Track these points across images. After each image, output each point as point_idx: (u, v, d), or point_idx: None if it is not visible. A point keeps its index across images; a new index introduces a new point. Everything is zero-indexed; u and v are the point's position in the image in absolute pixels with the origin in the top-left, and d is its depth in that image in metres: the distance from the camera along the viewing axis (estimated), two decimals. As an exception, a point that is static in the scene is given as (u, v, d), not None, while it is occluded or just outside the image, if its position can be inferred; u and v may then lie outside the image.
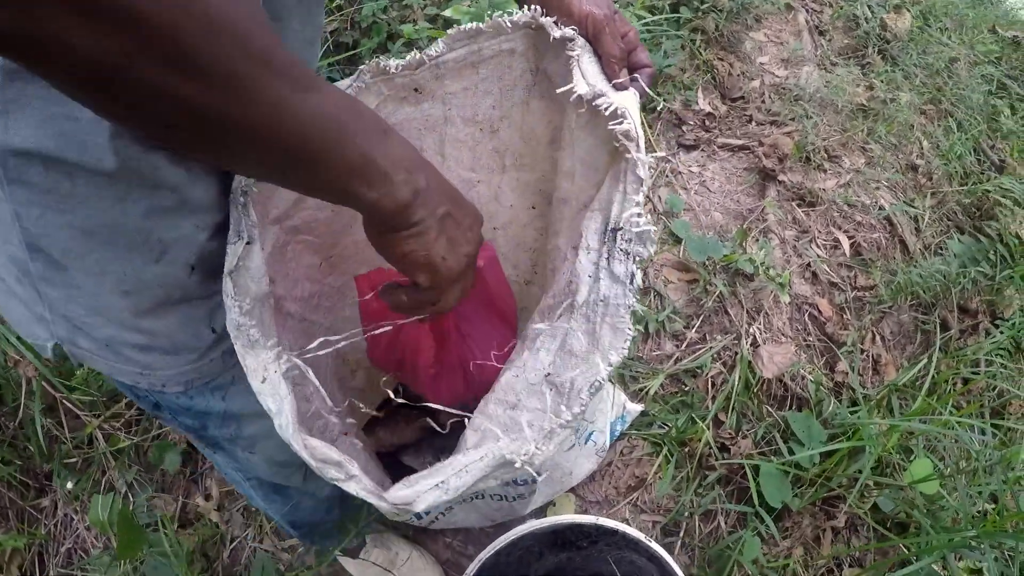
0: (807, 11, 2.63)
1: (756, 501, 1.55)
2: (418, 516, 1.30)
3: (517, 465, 0.66)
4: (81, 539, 1.67)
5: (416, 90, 0.90)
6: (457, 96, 0.93)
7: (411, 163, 0.59)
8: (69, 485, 1.65)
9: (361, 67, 0.85)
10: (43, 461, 1.69)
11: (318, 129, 0.51)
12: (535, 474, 0.67)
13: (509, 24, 0.85)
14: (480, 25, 0.86)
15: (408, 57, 0.85)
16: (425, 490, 0.66)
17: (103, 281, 0.69)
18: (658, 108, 2.23)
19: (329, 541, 1.46)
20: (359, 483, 0.69)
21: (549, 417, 0.71)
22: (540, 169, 1.05)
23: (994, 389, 1.91)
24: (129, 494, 1.67)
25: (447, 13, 2.25)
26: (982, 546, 1.43)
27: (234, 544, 1.64)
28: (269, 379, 0.68)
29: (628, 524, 1.62)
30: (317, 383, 0.76)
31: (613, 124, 0.74)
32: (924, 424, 1.63)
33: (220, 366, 0.83)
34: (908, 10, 2.62)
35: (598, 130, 0.80)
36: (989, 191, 2.15)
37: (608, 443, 1.57)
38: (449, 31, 0.86)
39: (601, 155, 0.83)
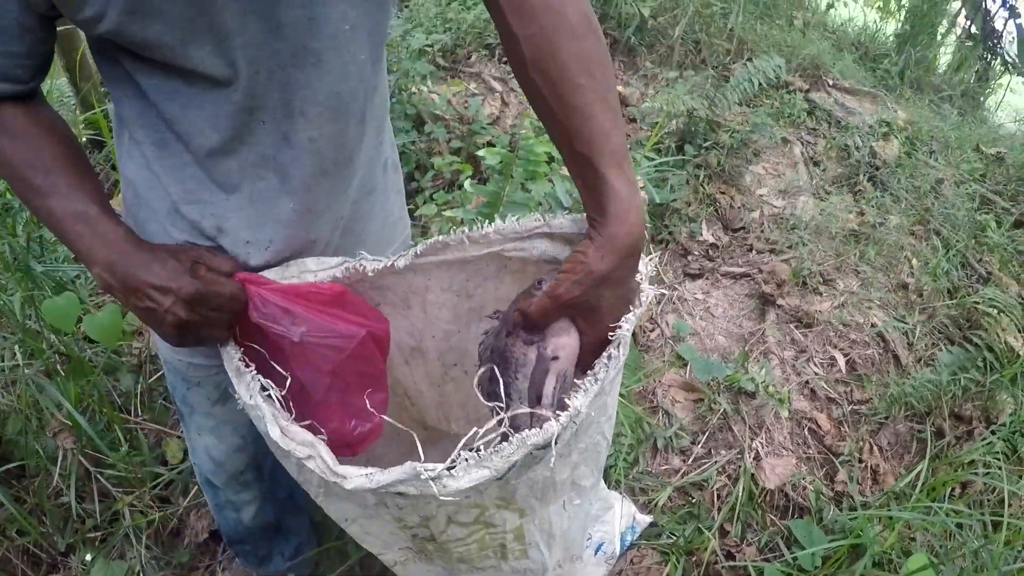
0: (802, 143, 2.90)
1: (760, 605, 1.70)
2: None
3: (423, 477, 0.77)
4: (91, 620, 1.76)
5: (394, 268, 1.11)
6: (434, 270, 1.12)
7: (104, 264, 0.88)
8: (88, 556, 1.73)
9: (336, 272, 1.04)
10: (64, 536, 1.77)
11: (49, 224, 0.89)
12: (434, 489, 0.77)
13: (484, 241, 1.04)
14: (461, 238, 1.04)
15: (384, 263, 1.06)
16: (357, 475, 0.81)
17: None
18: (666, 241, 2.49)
19: (248, 562, 1.65)
20: (317, 462, 0.84)
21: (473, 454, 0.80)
22: None
23: (994, 491, 2.04)
24: (143, 574, 1.75)
25: (482, 153, 2.56)
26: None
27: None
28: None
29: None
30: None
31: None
32: (920, 517, 1.76)
33: (184, 367, 1.15)
34: (896, 137, 2.87)
35: None
36: (977, 303, 2.33)
37: (618, 552, 1.75)
38: (423, 244, 1.06)
39: None
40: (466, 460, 0.78)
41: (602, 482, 1.51)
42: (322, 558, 1.76)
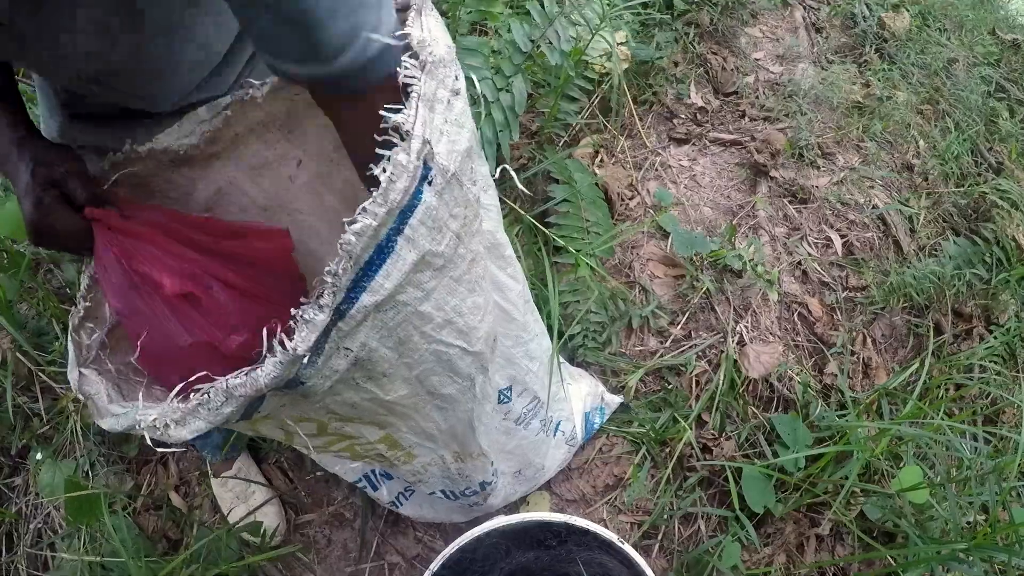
0: (804, 8, 2.58)
1: (737, 505, 1.49)
2: (372, 486, 1.26)
3: (141, 425, 0.69)
4: (51, 519, 1.64)
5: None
6: None
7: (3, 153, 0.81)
8: (39, 456, 1.64)
9: (227, 112, 0.91)
10: (16, 438, 1.67)
11: None
12: (147, 437, 0.70)
13: None
14: None
15: (264, 84, 0.91)
16: (112, 411, 0.77)
17: None
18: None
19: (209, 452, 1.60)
20: (92, 403, 0.79)
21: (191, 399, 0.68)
22: None
23: (987, 396, 1.86)
24: (90, 472, 1.64)
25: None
26: (971, 559, 1.36)
27: (202, 529, 1.59)
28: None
29: (605, 524, 1.57)
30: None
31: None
32: (914, 429, 1.57)
33: None
34: (907, 9, 2.57)
35: None
36: (986, 193, 2.10)
37: (581, 432, 1.51)
38: None
39: None
40: (178, 410, 0.68)
41: (530, 364, 1.25)
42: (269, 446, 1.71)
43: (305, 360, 0.64)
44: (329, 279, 0.62)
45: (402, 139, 0.63)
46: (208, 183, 0.99)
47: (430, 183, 0.65)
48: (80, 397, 0.80)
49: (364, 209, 0.61)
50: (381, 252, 0.64)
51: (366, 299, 0.65)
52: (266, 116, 0.94)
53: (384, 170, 0.62)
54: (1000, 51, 2.59)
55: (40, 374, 1.68)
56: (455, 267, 0.75)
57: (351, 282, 0.63)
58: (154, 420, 0.68)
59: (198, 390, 0.67)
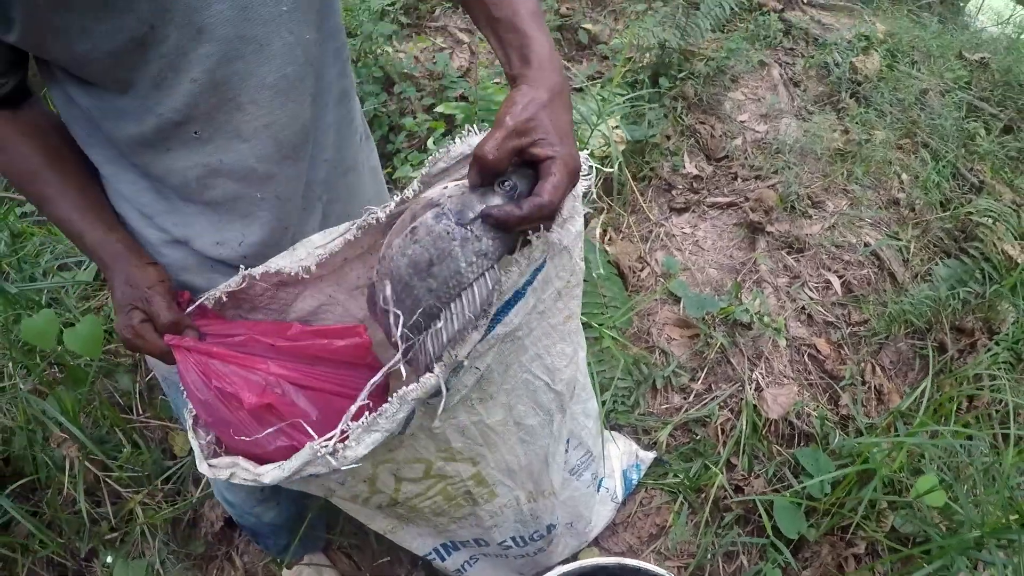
0: (780, 65, 2.81)
1: (771, 535, 1.67)
2: (441, 557, 1.45)
3: (320, 454, 0.82)
4: (119, 619, 1.78)
5: None
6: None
7: (98, 265, 0.93)
8: (108, 559, 1.78)
9: (347, 235, 0.96)
10: (84, 542, 1.80)
11: (63, 229, 0.93)
12: (334, 463, 0.82)
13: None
14: (449, 164, 0.96)
15: (387, 208, 0.95)
16: (269, 469, 0.88)
17: None
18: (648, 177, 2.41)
19: (267, 549, 1.73)
20: (241, 474, 0.91)
21: (366, 416, 0.84)
22: None
23: (1001, 402, 2.00)
24: (161, 570, 1.80)
25: (439, 109, 2.47)
26: (987, 546, 1.51)
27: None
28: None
29: (655, 569, 1.75)
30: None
31: None
32: (924, 439, 1.73)
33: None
34: (876, 50, 2.78)
35: None
36: (971, 213, 2.27)
37: (622, 490, 1.71)
38: (418, 174, 0.96)
39: None
40: (357, 429, 0.83)
41: (586, 421, 1.46)
42: (335, 534, 1.84)
43: (464, 364, 0.85)
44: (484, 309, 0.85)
45: None
46: (309, 299, 1.06)
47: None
48: (222, 478, 0.94)
49: (516, 261, 0.85)
50: (516, 296, 0.88)
51: (499, 330, 0.88)
52: (374, 243, 0.99)
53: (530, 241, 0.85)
54: (969, 73, 2.78)
55: (107, 479, 1.84)
56: (553, 316, 0.98)
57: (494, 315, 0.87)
58: (334, 446, 0.84)
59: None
